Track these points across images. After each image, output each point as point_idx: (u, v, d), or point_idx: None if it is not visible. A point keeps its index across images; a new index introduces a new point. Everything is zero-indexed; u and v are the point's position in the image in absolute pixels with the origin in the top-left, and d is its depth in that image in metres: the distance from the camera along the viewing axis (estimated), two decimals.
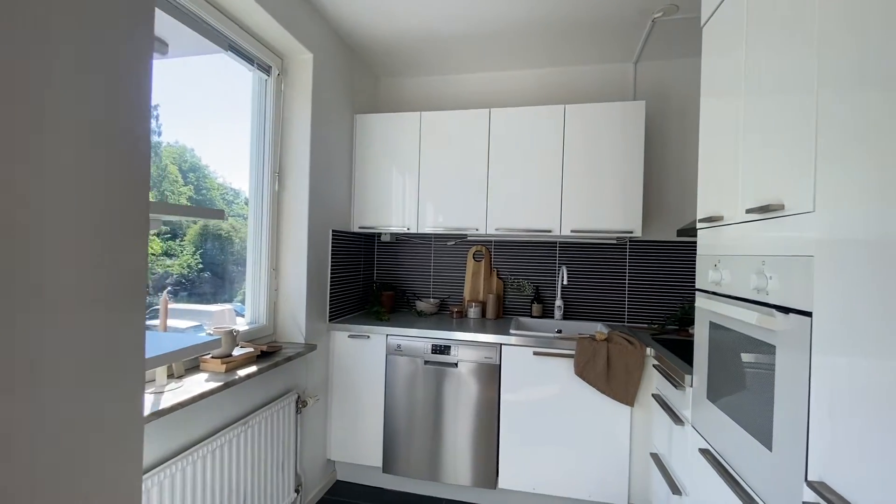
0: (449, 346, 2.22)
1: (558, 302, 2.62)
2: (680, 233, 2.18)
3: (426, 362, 2.25)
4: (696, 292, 1.52)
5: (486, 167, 2.46)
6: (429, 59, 2.68)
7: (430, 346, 2.24)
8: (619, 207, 2.31)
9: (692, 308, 2.39)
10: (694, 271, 2.60)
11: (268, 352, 1.88)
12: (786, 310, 1.01)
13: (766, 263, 1.09)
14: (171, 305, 1.85)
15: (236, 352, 1.73)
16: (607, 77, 2.67)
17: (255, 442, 1.75)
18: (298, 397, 2.08)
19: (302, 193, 2.15)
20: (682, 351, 1.87)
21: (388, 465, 2.30)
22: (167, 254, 1.85)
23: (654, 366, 1.96)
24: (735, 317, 1.17)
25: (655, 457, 1.92)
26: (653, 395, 1.95)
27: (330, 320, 2.40)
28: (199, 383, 1.48)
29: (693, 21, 2.15)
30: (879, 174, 0.77)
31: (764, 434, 1.07)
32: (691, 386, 1.55)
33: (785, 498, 0.98)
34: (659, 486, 1.91)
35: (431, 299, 2.84)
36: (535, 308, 2.68)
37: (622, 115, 2.30)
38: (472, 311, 2.65)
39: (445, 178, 2.51)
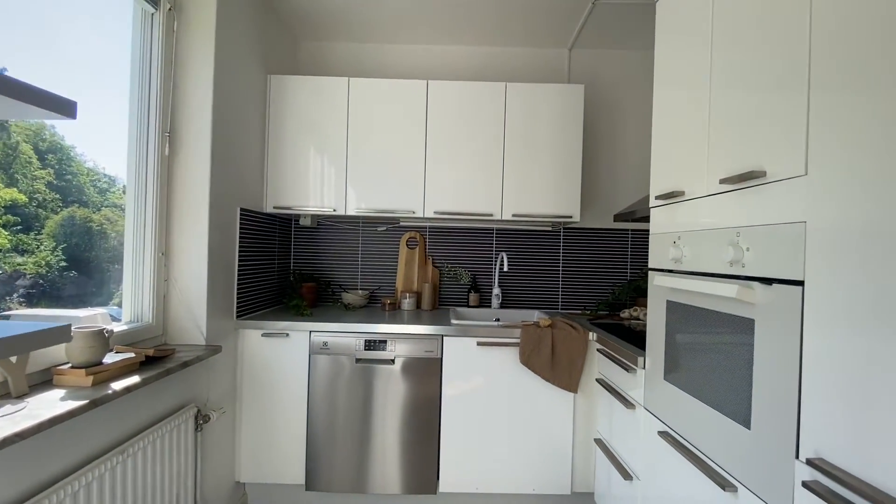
0: (385, 341, 1.98)
1: (496, 290, 2.52)
2: (617, 218, 2.19)
3: (358, 360, 1.98)
4: (650, 272, 1.49)
5: (423, 145, 2.25)
6: (358, 23, 2.39)
7: (362, 342, 1.98)
8: (559, 192, 2.26)
9: (622, 293, 2.45)
10: (626, 257, 2.75)
11: (156, 357, 1.47)
12: (768, 280, 0.97)
13: (742, 235, 1.05)
14: (24, 311, 1.40)
15: (109, 359, 1.31)
16: (543, 61, 2.63)
17: (139, 473, 1.35)
18: (198, 411, 1.69)
19: (201, 160, 1.75)
20: (620, 334, 1.87)
21: (313, 481, 1.99)
22: (18, 249, 1.41)
23: (598, 350, 1.93)
24: (706, 292, 1.13)
25: (600, 442, 1.90)
26: (597, 380, 1.92)
27: (239, 317, 2.01)
28: (51, 403, 1.07)
29: (630, 8, 2.17)
30: (882, 129, 0.72)
31: (740, 412, 1.03)
32: (643, 368, 1.52)
33: (769, 476, 0.94)
34: (603, 472, 1.89)
35: (360, 291, 2.56)
36: (473, 297, 2.54)
37: (562, 98, 2.26)
38: (406, 303, 2.43)
39: (377, 154, 2.25)
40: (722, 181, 1.10)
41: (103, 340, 1.27)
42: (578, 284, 2.61)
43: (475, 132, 2.25)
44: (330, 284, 2.59)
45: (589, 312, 2.49)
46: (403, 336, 1.98)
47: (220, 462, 1.88)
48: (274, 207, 2.24)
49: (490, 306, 2.56)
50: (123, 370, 1.32)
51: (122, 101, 1.60)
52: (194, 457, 1.66)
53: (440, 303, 2.60)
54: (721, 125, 1.16)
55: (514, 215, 2.25)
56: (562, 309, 2.61)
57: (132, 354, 1.37)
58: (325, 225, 2.61)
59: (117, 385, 1.22)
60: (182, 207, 1.74)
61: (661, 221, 1.47)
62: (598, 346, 1.93)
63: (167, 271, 1.72)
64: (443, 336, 1.98)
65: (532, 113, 2.26)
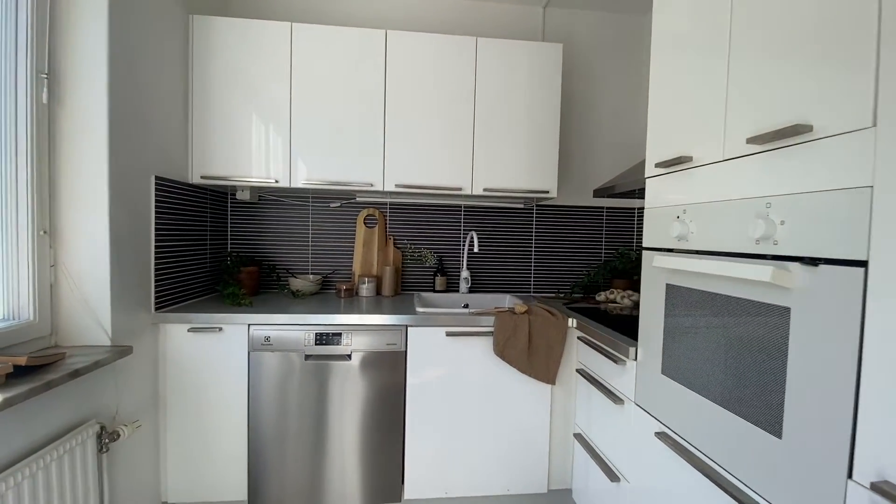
0: (339, 334, 1.71)
1: (464, 273, 2.29)
2: (597, 193, 2.01)
3: (308, 357, 1.70)
4: (646, 252, 1.31)
5: (382, 106, 1.95)
6: None
7: (312, 336, 1.70)
8: (535, 165, 2.04)
9: (598, 274, 2.30)
10: (601, 236, 2.59)
11: (32, 366, 1.12)
12: (812, 261, 0.79)
13: (774, 206, 0.87)
14: None
15: None
16: (515, 18, 2.36)
17: None
18: (102, 428, 1.36)
19: (96, 113, 1.36)
20: (598, 319, 1.70)
21: (258, 497, 1.71)
22: None
23: (578, 338, 1.75)
24: (725, 274, 0.95)
25: (579, 436, 1.74)
26: (577, 370, 1.75)
27: (159, 309, 1.66)
28: None
29: None
30: None
31: (767, 418, 0.87)
32: (635, 360, 1.35)
33: (808, 498, 0.78)
34: (581, 467, 1.75)
35: (311, 276, 2.25)
36: (439, 281, 2.31)
37: (539, 58, 2.01)
38: (365, 289, 2.15)
39: (328, 117, 1.92)
40: (750, 140, 0.90)
41: None
42: (552, 266, 2.44)
43: (442, 94, 1.97)
44: (275, 269, 2.26)
45: (563, 296, 2.32)
46: (361, 328, 1.71)
47: (139, 483, 1.56)
48: (201, 177, 1.87)
49: (458, 290, 2.34)
50: None
51: None
52: (98, 483, 1.34)
53: (403, 288, 2.35)
54: (745, 73, 0.96)
55: (485, 190, 2.01)
56: (534, 292, 2.44)
57: None
58: (268, 200, 2.26)
59: None
60: (71, 173, 1.36)
61: (660, 193, 1.27)
62: (579, 333, 1.75)
63: (53, 255, 1.35)
64: (407, 326, 1.74)
65: (506, 74, 2.00)
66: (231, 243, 2.25)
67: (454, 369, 1.76)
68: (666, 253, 1.21)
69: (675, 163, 1.16)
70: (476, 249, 2.08)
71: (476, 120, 2.00)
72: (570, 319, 1.78)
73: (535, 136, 2.03)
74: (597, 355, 1.59)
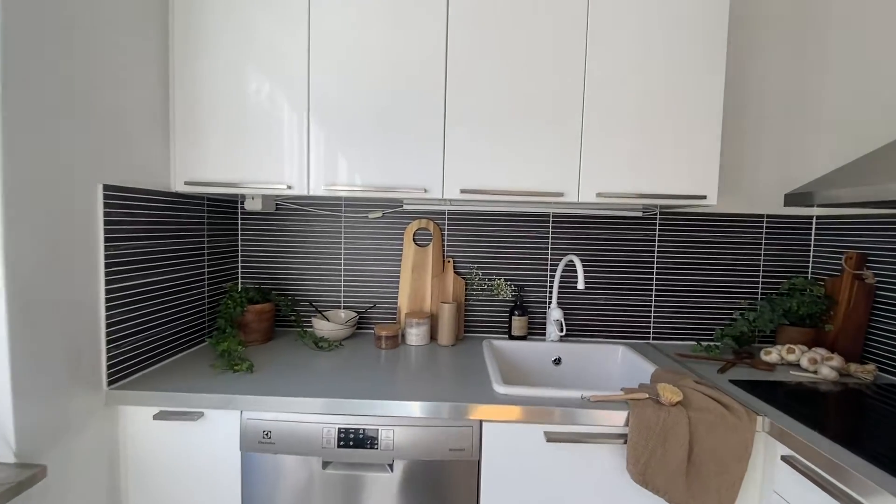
0: (375, 429, 1.09)
1: (555, 313, 1.59)
2: (791, 201, 1.23)
3: (327, 464, 1.10)
4: None
5: (442, 75, 1.29)
6: None
7: (334, 432, 1.08)
8: (683, 157, 1.30)
9: (761, 318, 1.52)
10: (759, 257, 1.60)
11: None
12: None
13: None
14: None
15: None
16: None
17: None
18: None
19: None
20: (815, 417, 0.96)
21: None
22: None
23: (784, 459, 1.01)
24: None
25: None
26: None
27: (114, 382, 1.12)
28: None
29: None
30: None
31: None
32: None
33: None
34: None
35: (342, 312, 1.66)
36: (518, 323, 1.63)
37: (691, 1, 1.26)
38: (415, 335, 1.53)
39: (362, 88, 1.30)
40: None
41: None
42: (678, 300, 1.68)
43: (534, 57, 1.28)
44: (296, 302, 1.69)
45: (707, 349, 1.56)
46: (408, 420, 1.08)
47: None
48: (185, 183, 1.31)
49: (545, 336, 1.65)
50: None
51: None
52: None
53: (467, 329, 1.70)
54: None
55: (599, 195, 1.30)
56: (653, 339, 1.69)
57: None
58: (287, 209, 1.68)
59: None
60: None
61: None
62: (785, 450, 1.01)
63: None
64: (481, 423, 1.08)
65: (637, 23, 1.27)
66: (242, 269, 1.70)
67: (559, 494, 1.08)
68: None
69: None
70: (581, 285, 1.37)
71: (586, 86, 1.28)
72: (758, 418, 1.04)
73: (682, 111, 1.29)
74: (818, 491, 0.85)
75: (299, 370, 1.26)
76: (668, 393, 1.08)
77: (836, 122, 1.56)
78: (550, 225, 1.66)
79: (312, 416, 1.08)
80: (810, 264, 1.65)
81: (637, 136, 1.29)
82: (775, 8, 1.59)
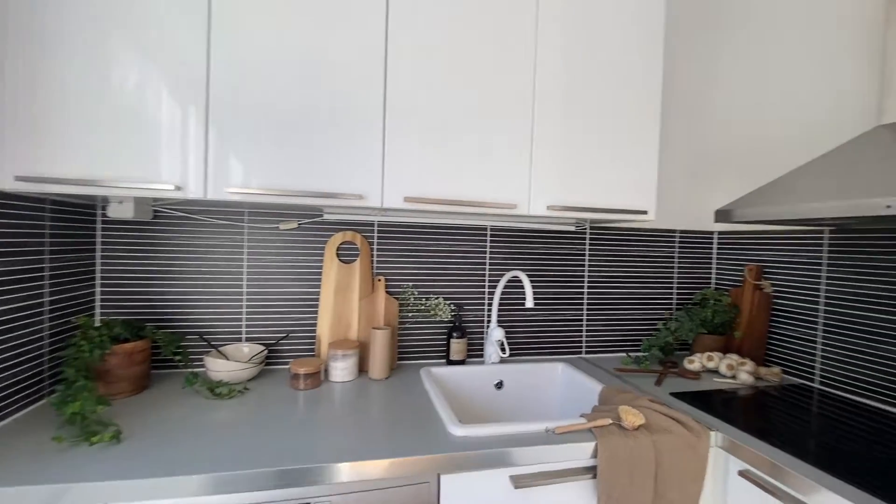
0: None
1: (496, 332, 1.49)
2: (719, 217, 1.29)
3: None
4: None
5: (382, 55, 1.11)
6: None
7: None
8: (625, 170, 1.29)
9: (682, 328, 1.59)
10: (672, 270, 1.69)
11: None
12: None
13: None
14: None
15: None
16: None
17: None
18: None
19: None
20: (728, 412, 1.00)
21: None
22: None
23: (742, 474, 1.00)
24: None
25: None
26: None
27: None
28: None
29: None
30: None
31: None
32: None
33: None
34: None
35: (244, 347, 1.35)
36: (456, 345, 1.49)
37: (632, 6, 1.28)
38: (340, 368, 1.29)
39: (276, 65, 1.06)
40: None
41: None
42: (607, 313, 1.70)
43: (484, 48, 1.17)
44: (180, 337, 1.32)
45: (637, 360, 1.58)
46: (345, 488, 0.85)
47: None
48: (17, 178, 0.92)
49: (483, 357, 1.54)
50: None
51: None
52: None
53: (400, 356, 1.50)
54: None
55: (549, 207, 1.23)
56: (586, 352, 1.69)
57: None
58: (168, 216, 1.33)
59: None
60: None
61: None
62: (742, 465, 1.01)
63: None
64: (439, 476, 0.90)
65: (583, 19, 1.24)
66: (102, 296, 1.29)
67: None
68: None
69: None
70: (530, 303, 1.28)
71: (536, 85, 1.21)
72: (711, 433, 1.04)
73: (622, 123, 1.29)
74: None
75: (189, 431, 0.94)
76: (631, 416, 1.03)
77: (740, 136, 1.73)
78: (489, 239, 1.56)
79: (213, 499, 0.80)
80: (713, 276, 1.81)
81: (584, 149, 1.26)
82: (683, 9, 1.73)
